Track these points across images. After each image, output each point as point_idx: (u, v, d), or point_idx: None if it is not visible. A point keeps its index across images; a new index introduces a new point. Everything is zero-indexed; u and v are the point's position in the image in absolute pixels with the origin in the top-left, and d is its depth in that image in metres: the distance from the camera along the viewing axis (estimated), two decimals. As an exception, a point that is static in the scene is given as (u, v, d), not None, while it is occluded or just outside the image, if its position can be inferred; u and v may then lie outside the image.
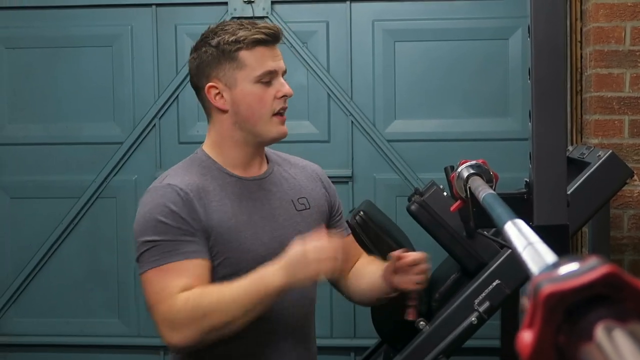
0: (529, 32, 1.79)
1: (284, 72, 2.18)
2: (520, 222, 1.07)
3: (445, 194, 3.08)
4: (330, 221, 2.32)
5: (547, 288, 0.57)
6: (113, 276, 4.29)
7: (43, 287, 4.33)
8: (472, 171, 1.98)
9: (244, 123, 2.14)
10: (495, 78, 4.11)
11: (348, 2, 4.17)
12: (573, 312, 0.57)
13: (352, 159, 4.19)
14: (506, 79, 4.10)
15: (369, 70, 4.18)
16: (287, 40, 4.15)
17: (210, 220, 2.07)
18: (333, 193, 2.36)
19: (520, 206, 1.78)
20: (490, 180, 1.95)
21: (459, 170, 2.03)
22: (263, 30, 2.12)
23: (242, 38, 2.10)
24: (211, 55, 2.14)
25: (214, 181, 2.14)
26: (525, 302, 0.59)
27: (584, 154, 3.21)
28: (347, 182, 4.18)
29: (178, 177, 2.12)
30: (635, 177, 3.54)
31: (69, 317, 4.34)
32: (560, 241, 1.77)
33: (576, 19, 3.87)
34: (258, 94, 2.12)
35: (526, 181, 1.85)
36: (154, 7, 4.23)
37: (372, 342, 3.76)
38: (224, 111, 2.15)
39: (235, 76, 2.12)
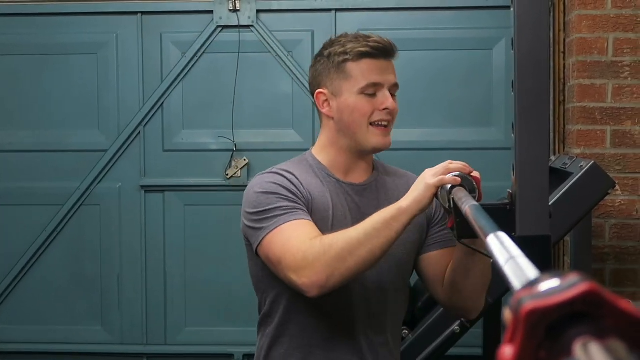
0: (512, 45, 1.80)
1: (394, 86, 2.24)
2: (503, 235, 1.08)
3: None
4: (428, 231, 2.31)
5: (529, 304, 0.58)
6: (97, 283, 4.28)
7: (26, 294, 4.32)
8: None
9: (346, 131, 2.23)
10: (479, 88, 4.14)
11: (333, 12, 4.19)
12: (554, 328, 0.58)
13: (337, 167, 4.20)
14: (490, 89, 4.12)
15: (353, 79, 4.19)
16: (273, 49, 4.17)
17: (313, 204, 2.17)
18: (435, 208, 2.31)
19: (503, 217, 1.80)
20: (473, 191, 1.96)
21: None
22: (371, 44, 2.20)
23: (349, 50, 2.20)
24: (323, 65, 2.26)
25: (317, 178, 2.24)
26: (508, 316, 0.60)
27: (567, 164, 3.23)
28: (331, 191, 4.19)
29: (281, 169, 2.22)
30: (617, 187, 3.57)
31: (53, 325, 4.32)
32: (542, 252, 1.78)
33: (559, 30, 3.90)
34: (360, 104, 2.20)
35: (509, 192, 1.86)
36: (139, 15, 4.24)
37: (355, 350, 3.77)
38: (331, 118, 2.24)
39: (341, 86, 2.21)
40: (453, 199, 1.87)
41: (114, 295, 4.28)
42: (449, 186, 1.98)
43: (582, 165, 3.06)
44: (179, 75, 4.22)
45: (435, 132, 4.17)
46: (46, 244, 4.30)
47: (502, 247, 1.02)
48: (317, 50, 4.11)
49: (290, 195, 2.15)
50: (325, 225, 2.16)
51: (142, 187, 4.25)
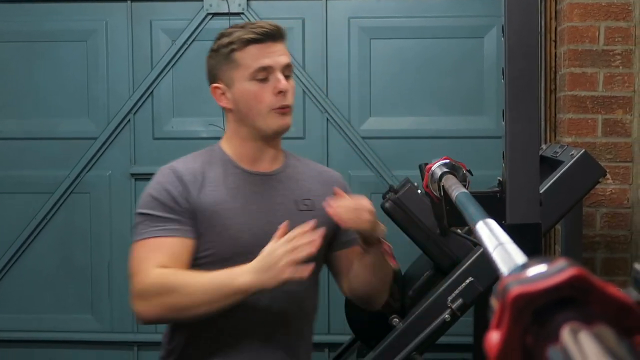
0: (503, 32, 1.80)
1: (286, 67, 2.24)
2: (492, 222, 1.08)
3: (419, 191, 3.09)
4: (338, 229, 2.32)
5: (515, 289, 0.57)
6: (86, 272, 4.27)
7: (16, 282, 4.31)
8: (445, 169, 1.99)
9: (245, 119, 2.25)
10: (470, 76, 4.13)
11: (324, 0, 4.18)
12: (541, 313, 0.57)
13: (327, 155, 4.19)
14: (481, 77, 4.12)
15: (344, 67, 4.18)
16: (263, 36, 4.15)
17: (199, 202, 2.19)
18: None
19: (493, 205, 1.79)
20: (463, 179, 1.96)
21: (432, 169, 2.04)
22: (255, 30, 2.21)
23: (235, 39, 2.21)
24: (214, 59, 2.28)
25: (218, 170, 2.26)
26: (494, 304, 0.59)
27: (557, 152, 3.22)
28: (322, 179, 4.19)
29: (182, 162, 2.28)
30: (608, 175, 3.57)
31: (42, 313, 4.31)
32: (532, 240, 1.78)
33: (551, 19, 3.89)
34: (253, 91, 2.21)
35: (499, 180, 1.86)
36: (129, 2, 4.22)
37: (346, 338, 3.77)
38: (230, 110, 2.27)
39: (232, 76, 2.23)
40: (443, 186, 1.87)
41: (104, 284, 4.27)
42: (439, 174, 1.98)
43: (572, 154, 3.05)
44: (169, 62, 4.20)
45: (426, 121, 4.16)
46: (36, 232, 4.28)
47: (490, 233, 1.02)
48: (307, 38, 4.17)
49: (169, 200, 2.19)
50: (221, 217, 2.20)
51: (132, 175, 4.23)
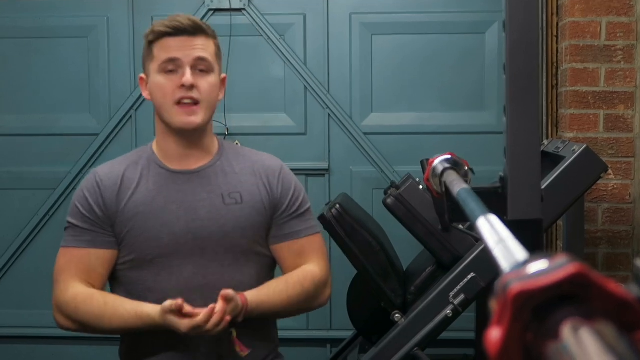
0: (504, 27, 1.79)
1: (199, 61, 2.19)
2: (493, 218, 1.08)
3: (421, 187, 3.09)
4: (274, 220, 2.32)
5: (516, 286, 0.57)
6: (88, 268, 4.27)
7: (18, 279, 4.31)
8: (446, 165, 1.98)
9: (158, 113, 2.24)
10: (472, 72, 4.13)
11: (325, -5, 4.18)
12: (541, 310, 0.57)
13: (329, 151, 4.19)
14: (482, 73, 4.12)
15: (346, 63, 4.18)
16: (265, 32, 4.15)
17: (117, 208, 2.20)
18: (282, 192, 2.32)
19: (495, 200, 1.79)
20: (465, 175, 1.96)
21: (434, 164, 2.03)
22: (168, 23, 2.19)
23: (152, 31, 2.21)
24: (143, 50, 2.27)
25: (142, 171, 2.25)
26: (493, 303, 0.59)
27: (559, 147, 3.22)
28: (323, 175, 4.19)
29: (108, 165, 2.30)
30: (610, 171, 3.57)
31: (44, 309, 4.29)
32: (534, 235, 1.78)
33: (552, 14, 3.88)
34: (160, 83, 2.18)
35: (500, 175, 1.85)
36: (130, -2, 4.22)
37: (348, 334, 3.77)
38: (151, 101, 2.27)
39: (148, 67, 2.23)
40: (444, 182, 1.86)
41: (106, 280, 4.27)
42: (441, 170, 1.97)
43: (574, 149, 3.05)
44: (170, 59, 4.19)
45: (427, 117, 4.16)
46: (38, 229, 4.28)
47: (492, 229, 1.01)
48: (309, 34, 4.17)
49: (86, 209, 2.22)
50: (138, 220, 2.20)
51: (134, 171, 4.23)
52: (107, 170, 2.26)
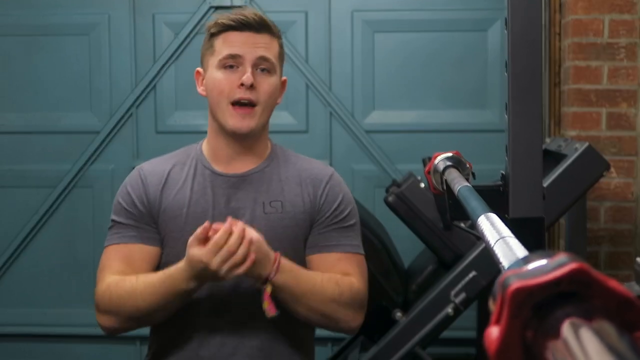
0: (505, 25, 1.78)
1: (262, 61, 2.08)
2: (493, 216, 1.07)
3: (422, 185, 3.09)
4: (312, 229, 2.16)
5: (515, 284, 0.56)
6: (89, 266, 4.25)
7: (19, 277, 4.30)
8: (448, 163, 1.98)
9: (213, 111, 2.12)
10: (474, 70, 4.12)
11: (327, -8, 4.17)
12: (541, 307, 0.56)
13: (331, 149, 4.18)
14: (485, 71, 4.11)
15: (347, 61, 4.17)
16: (266, 30, 4.14)
17: (160, 207, 2.12)
18: (326, 201, 2.17)
19: (496, 199, 1.78)
20: (466, 173, 1.95)
21: (435, 162, 2.03)
22: (232, 17, 2.09)
23: (214, 24, 2.12)
24: (203, 44, 2.18)
25: (189, 171, 2.16)
26: (491, 305, 0.58)
27: (561, 146, 3.22)
28: (325, 173, 4.18)
29: (154, 162, 2.21)
30: (612, 169, 3.56)
31: (45, 307, 4.31)
32: (536, 234, 1.77)
33: (555, 12, 3.87)
34: (218, 79, 2.08)
35: (502, 173, 1.85)
36: (131, -5, 4.21)
37: (349, 333, 3.75)
38: (206, 97, 2.16)
39: (208, 61, 2.13)
40: (446, 180, 1.86)
41: (107, 278, 4.26)
42: (442, 168, 1.97)
43: (576, 147, 3.04)
44: (171, 56, 4.19)
45: (429, 114, 4.15)
46: (38, 226, 4.28)
47: (492, 227, 1.01)
48: (310, 32, 4.16)
49: (130, 205, 2.12)
50: (178, 222, 2.10)
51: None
52: (151, 167, 2.18)
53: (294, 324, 2.14)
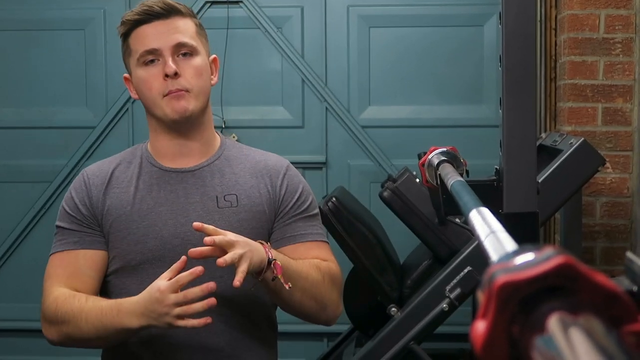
0: (500, 19, 1.78)
1: (180, 46, 2.01)
2: (485, 210, 1.07)
3: (417, 180, 3.08)
4: (276, 223, 2.10)
5: (501, 278, 0.56)
6: (85, 261, 4.26)
7: (14, 272, 4.30)
8: (442, 158, 1.98)
9: (148, 109, 2.06)
10: (470, 65, 4.12)
11: (323, -13, 4.16)
12: (528, 302, 0.56)
13: (326, 145, 4.18)
14: (481, 66, 4.11)
15: (343, 56, 4.17)
16: (262, 25, 4.14)
17: (104, 207, 2.04)
18: (287, 192, 2.11)
19: (491, 193, 1.78)
20: (461, 170, 1.95)
21: (429, 157, 2.02)
22: (136, 10, 2.02)
23: (122, 23, 2.05)
24: (121, 48, 2.11)
25: (134, 170, 2.09)
26: (480, 296, 0.58)
27: (557, 141, 3.21)
28: (321, 168, 4.18)
29: (99, 163, 2.15)
30: (608, 164, 3.56)
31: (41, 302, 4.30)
32: (530, 229, 1.77)
33: (551, 7, 3.87)
34: (143, 77, 2.01)
35: (496, 168, 1.85)
36: (127, -10, 4.20)
37: (344, 327, 3.76)
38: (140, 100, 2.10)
39: (130, 64, 2.06)
40: (440, 174, 1.86)
41: (103, 273, 4.26)
42: (436, 162, 1.97)
43: (572, 142, 3.04)
44: (167, 51, 4.18)
45: (425, 110, 4.15)
46: (34, 222, 4.27)
47: (483, 222, 1.01)
48: (306, 27, 4.16)
49: (74, 210, 2.06)
50: (124, 221, 2.02)
51: (131, 164, 4.21)
52: (95, 168, 2.11)
53: (258, 322, 2.11)
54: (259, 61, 4.19)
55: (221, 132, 4.14)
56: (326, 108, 4.17)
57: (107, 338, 1.95)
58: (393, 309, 2.96)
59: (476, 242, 2.89)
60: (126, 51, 2.05)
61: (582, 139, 3.05)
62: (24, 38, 4.25)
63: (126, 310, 1.87)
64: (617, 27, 3.65)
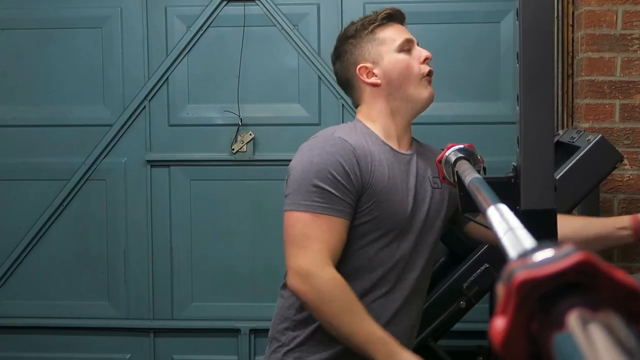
0: (517, 16, 1.78)
1: (417, 44, 2.43)
2: (503, 207, 1.07)
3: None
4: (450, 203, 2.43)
5: (521, 275, 0.56)
6: (102, 258, 4.28)
7: (32, 269, 4.32)
8: (459, 155, 1.98)
9: (397, 91, 2.36)
10: (487, 61, 4.10)
11: (339, -15, 4.16)
12: (547, 299, 0.56)
13: (343, 142, 4.17)
14: (497, 63, 4.09)
15: (359, 53, 4.16)
16: (278, 22, 4.14)
17: (369, 179, 2.23)
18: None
19: (508, 190, 1.78)
20: (478, 167, 1.95)
21: (447, 154, 2.02)
22: (389, 10, 2.43)
23: (373, 19, 2.41)
24: (353, 45, 2.42)
25: (374, 146, 2.30)
26: (499, 290, 0.58)
27: (574, 138, 3.20)
28: (337, 166, 4.17)
29: (347, 134, 2.29)
30: (626, 161, 3.54)
31: (58, 300, 4.33)
32: (547, 225, 1.76)
33: (568, 3, 3.85)
34: (405, 60, 2.36)
35: (514, 165, 1.84)
36: (143, -12, 4.21)
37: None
38: (378, 86, 2.36)
39: (379, 51, 2.38)
40: (457, 171, 1.85)
41: (120, 270, 4.28)
42: (453, 160, 1.96)
43: (589, 139, 3.03)
44: (184, 49, 4.19)
45: (442, 106, 4.12)
46: (52, 219, 4.29)
47: (501, 218, 1.00)
48: (322, 24, 4.15)
49: (344, 179, 2.19)
50: (384, 194, 2.24)
51: (148, 161, 4.23)
52: (353, 140, 2.27)
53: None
54: (275, 59, 4.19)
55: (237, 130, 4.17)
56: (342, 105, 4.16)
57: (345, 341, 2.17)
58: (410, 306, 2.95)
59: (493, 239, 2.89)
60: (375, 42, 2.41)
61: (600, 135, 3.04)
62: (41, 36, 4.27)
63: (383, 346, 2.12)
64: (634, 23, 3.63)
